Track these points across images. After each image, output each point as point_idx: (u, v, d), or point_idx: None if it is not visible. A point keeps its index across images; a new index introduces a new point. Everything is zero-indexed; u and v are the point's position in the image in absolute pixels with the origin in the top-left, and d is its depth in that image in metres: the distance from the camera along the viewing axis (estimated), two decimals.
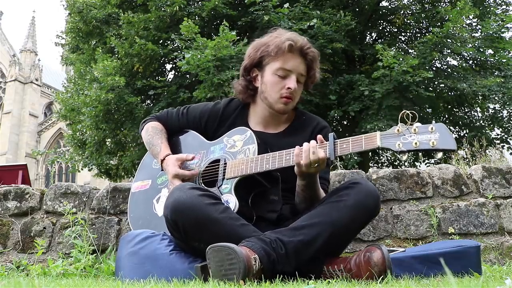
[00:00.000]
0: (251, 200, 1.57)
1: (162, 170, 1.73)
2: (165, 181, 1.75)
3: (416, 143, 1.28)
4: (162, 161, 1.70)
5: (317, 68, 1.70)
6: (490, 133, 9.36)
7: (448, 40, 7.80)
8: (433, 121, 1.32)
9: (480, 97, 8.74)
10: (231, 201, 1.50)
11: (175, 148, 1.82)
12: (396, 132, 1.32)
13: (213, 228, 1.38)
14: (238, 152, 1.61)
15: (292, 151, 1.47)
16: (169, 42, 8.92)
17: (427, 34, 8.69)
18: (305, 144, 1.45)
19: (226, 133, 1.69)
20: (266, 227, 1.47)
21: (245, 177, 1.55)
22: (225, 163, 1.61)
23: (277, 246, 1.34)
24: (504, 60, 8.34)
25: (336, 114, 7.98)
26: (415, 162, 10.44)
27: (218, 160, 1.65)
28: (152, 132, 1.81)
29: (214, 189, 1.57)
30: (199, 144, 1.75)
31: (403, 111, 1.32)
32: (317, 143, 1.44)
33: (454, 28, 7.47)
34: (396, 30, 10.15)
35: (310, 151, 1.42)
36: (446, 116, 9.58)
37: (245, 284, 1.20)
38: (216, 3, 7.73)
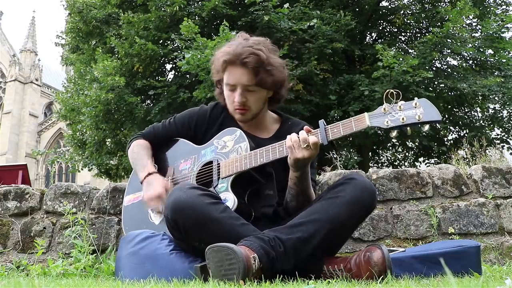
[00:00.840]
0: (248, 197, 1.58)
1: (142, 182, 1.70)
2: None
3: (403, 119, 1.34)
4: (147, 175, 1.69)
5: (266, 70, 1.61)
6: (490, 133, 9.36)
7: (448, 40, 7.80)
8: (416, 98, 1.37)
9: (480, 97, 8.74)
10: (229, 198, 1.51)
11: (164, 157, 1.82)
12: (382, 111, 1.38)
13: (213, 227, 1.39)
14: (230, 151, 1.61)
15: (284, 142, 1.49)
16: (169, 42, 8.92)
17: (427, 34, 8.68)
18: (294, 133, 1.48)
19: (215, 136, 1.70)
20: (264, 226, 1.48)
21: (240, 174, 1.55)
22: (218, 164, 1.62)
23: (276, 244, 1.34)
24: (504, 60, 8.34)
25: (336, 114, 7.98)
26: (415, 162, 10.45)
27: (210, 162, 1.66)
28: (137, 150, 1.81)
29: (210, 189, 1.57)
30: (189, 150, 1.75)
31: (387, 90, 1.37)
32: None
33: (454, 28, 7.47)
34: (396, 30, 10.15)
35: (301, 136, 1.44)
36: (446, 116, 9.58)
37: (245, 284, 1.20)
38: (216, 3, 7.73)
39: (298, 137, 1.44)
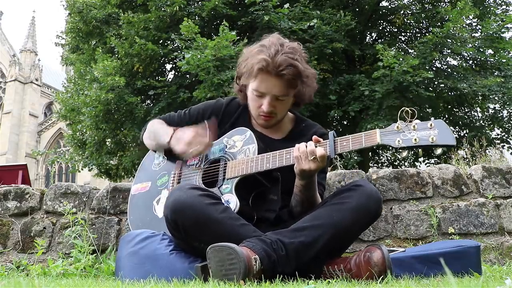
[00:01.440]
0: (252, 200, 1.57)
1: (170, 141, 1.65)
2: (165, 182, 1.75)
3: (415, 140, 1.30)
4: (173, 133, 1.65)
5: (302, 82, 1.57)
6: (490, 133, 9.36)
7: (448, 40, 7.81)
8: (432, 118, 1.33)
9: (480, 97, 8.74)
10: (232, 201, 1.50)
11: None
12: (395, 129, 1.34)
13: (213, 228, 1.38)
14: (238, 152, 1.61)
15: (292, 150, 1.47)
16: (169, 42, 8.92)
17: (427, 34, 8.69)
18: (303, 143, 1.46)
19: (226, 133, 1.70)
20: (266, 228, 1.47)
21: (246, 177, 1.55)
22: (225, 163, 1.62)
23: (278, 247, 1.34)
24: (504, 60, 8.35)
25: (336, 114, 7.99)
26: (415, 162, 10.45)
27: (218, 161, 1.65)
28: (158, 125, 1.80)
29: (215, 189, 1.57)
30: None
31: (402, 108, 1.33)
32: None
33: (454, 28, 7.48)
34: (396, 30, 10.16)
35: (309, 147, 1.42)
36: (446, 116, 9.58)
37: (245, 284, 1.20)
38: (216, 3, 7.73)
39: (306, 148, 1.42)
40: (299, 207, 1.59)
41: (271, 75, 1.52)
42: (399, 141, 1.32)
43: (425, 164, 10.23)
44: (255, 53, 1.57)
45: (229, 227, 1.39)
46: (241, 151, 1.60)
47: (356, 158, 7.68)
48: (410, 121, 1.32)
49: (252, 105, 1.65)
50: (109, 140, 9.61)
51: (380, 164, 11.03)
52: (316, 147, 1.42)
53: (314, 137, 1.46)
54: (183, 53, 7.28)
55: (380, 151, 10.86)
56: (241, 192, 1.54)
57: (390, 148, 1.35)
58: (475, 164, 3.67)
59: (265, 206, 1.58)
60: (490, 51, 8.45)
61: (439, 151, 1.30)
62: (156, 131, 1.76)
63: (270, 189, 1.59)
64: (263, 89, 1.56)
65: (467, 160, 4.74)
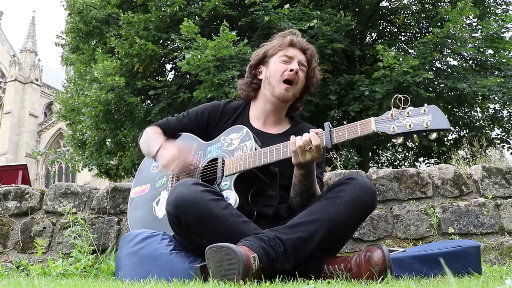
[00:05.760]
0: (251, 195, 1.58)
1: (156, 155, 1.74)
2: (164, 183, 1.76)
3: (410, 125, 1.31)
4: (160, 147, 1.73)
5: (316, 65, 1.83)
6: (490, 133, 9.36)
7: (448, 40, 7.79)
8: (425, 104, 1.33)
9: (480, 97, 8.73)
10: (231, 197, 1.51)
11: None
12: (390, 117, 1.35)
13: (215, 224, 1.39)
14: (236, 149, 1.62)
15: (288, 143, 1.50)
16: (169, 42, 8.92)
17: (427, 34, 8.68)
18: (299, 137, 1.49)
19: (223, 132, 1.71)
20: (265, 225, 1.48)
21: (244, 173, 1.56)
22: (223, 161, 1.62)
23: (276, 244, 1.35)
24: (504, 60, 8.33)
25: (336, 114, 7.97)
26: (415, 162, 10.45)
27: (216, 159, 1.67)
28: (151, 133, 1.85)
29: (214, 186, 1.57)
30: (196, 145, 1.76)
31: (395, 96, 1.34)
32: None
33: (454, 28, 7.46)
34: (396, 30, 10.15)
35: (304, 138, 1.45)
36: (446, 116, 9.55)
37: (245, 284, 1.20)
38: (216, 3, 7.73)
39: (302, 143, 1.44)
40: (299, 198, 1.60)
41: (297, 49, 1.80)
42: (394, 128, 1.33)
43: (425, 164, 10.23)
44: (278, 37, 1.85)
45: (231, 224, 1.39)
46: (239, 148, 1.61)
47: (356, 158, 7.67)
48: (404, 108, 1.33)
49: (277, 73, 1.76)
50: (109, 140, 9.60)
51: (380, 164, 11.02)
52: None
53: (311, 130, 1.48)
54: (183, 53, 7.28)
55: (380, 151, 10.86)
56: (240, 188, 1.54)
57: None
58: (475, 164, 3.67)
59: (264, 201, 1.60)
60: (490, 51, 8.44)
61: (434, 135, 1.30)
62: (148, 140, 1.83)
63: (269, 184, 1.61)
64: (291, 54, 1.77)
65: (467, 160, 4.74)
